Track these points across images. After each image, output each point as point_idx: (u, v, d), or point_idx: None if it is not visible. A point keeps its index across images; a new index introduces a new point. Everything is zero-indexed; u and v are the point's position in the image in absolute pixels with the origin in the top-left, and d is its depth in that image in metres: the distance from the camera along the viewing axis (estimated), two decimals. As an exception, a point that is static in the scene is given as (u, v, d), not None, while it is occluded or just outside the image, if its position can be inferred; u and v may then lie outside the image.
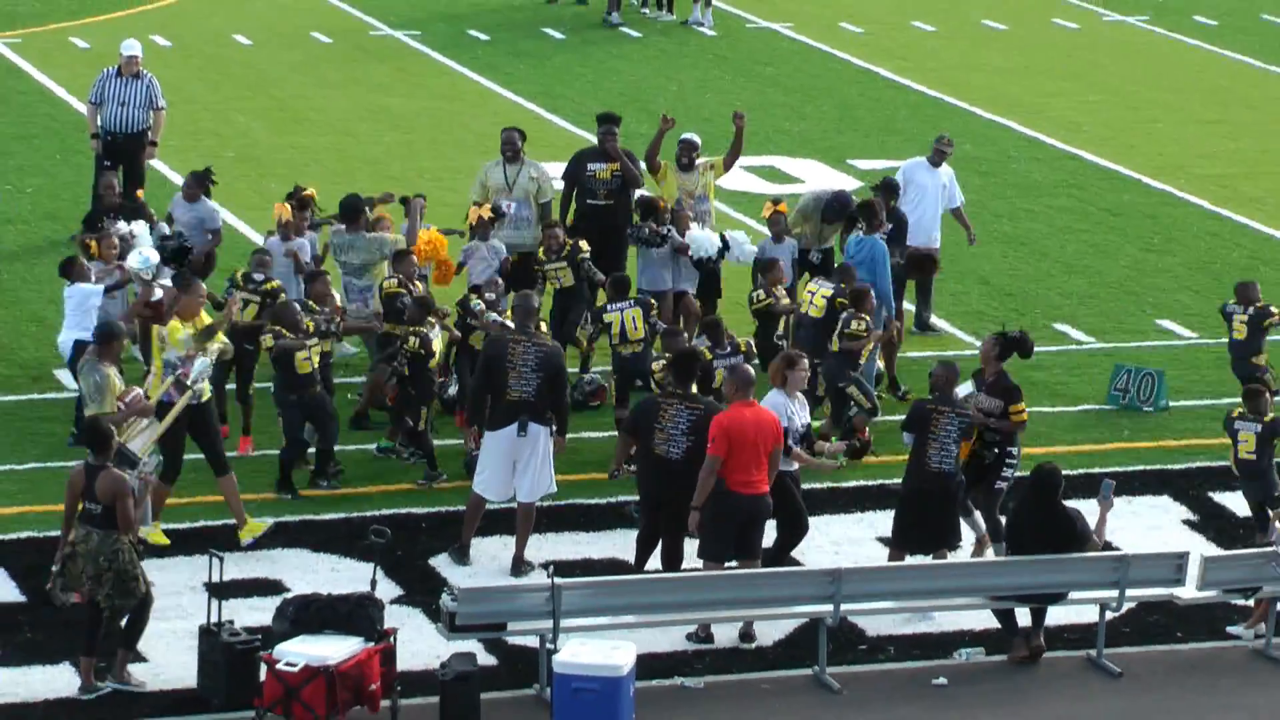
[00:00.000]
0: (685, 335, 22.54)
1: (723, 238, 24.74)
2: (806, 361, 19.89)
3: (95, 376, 19.07)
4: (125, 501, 16.58)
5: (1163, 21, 43.19)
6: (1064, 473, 18.85)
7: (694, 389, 19.46)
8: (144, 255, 22.36)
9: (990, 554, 19.57)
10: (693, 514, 18.58)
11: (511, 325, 20.94)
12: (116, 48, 29.47)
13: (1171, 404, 24.07)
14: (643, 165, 25.70)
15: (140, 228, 23.47)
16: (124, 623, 17.05)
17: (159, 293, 21.69)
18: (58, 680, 17.20)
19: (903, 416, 19.95)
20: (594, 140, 26.54)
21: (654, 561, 19.22)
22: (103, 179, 25.39)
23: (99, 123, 28.32)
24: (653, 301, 23.45)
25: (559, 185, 26.27)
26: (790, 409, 19.08)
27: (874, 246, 23.95)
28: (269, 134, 34.23)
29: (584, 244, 24.13)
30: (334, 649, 16.54)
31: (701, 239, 24.42)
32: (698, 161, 25.63)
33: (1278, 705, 18.08)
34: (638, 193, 25.64)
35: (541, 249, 24.32)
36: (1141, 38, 42.38)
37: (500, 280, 23.23)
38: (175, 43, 38.77)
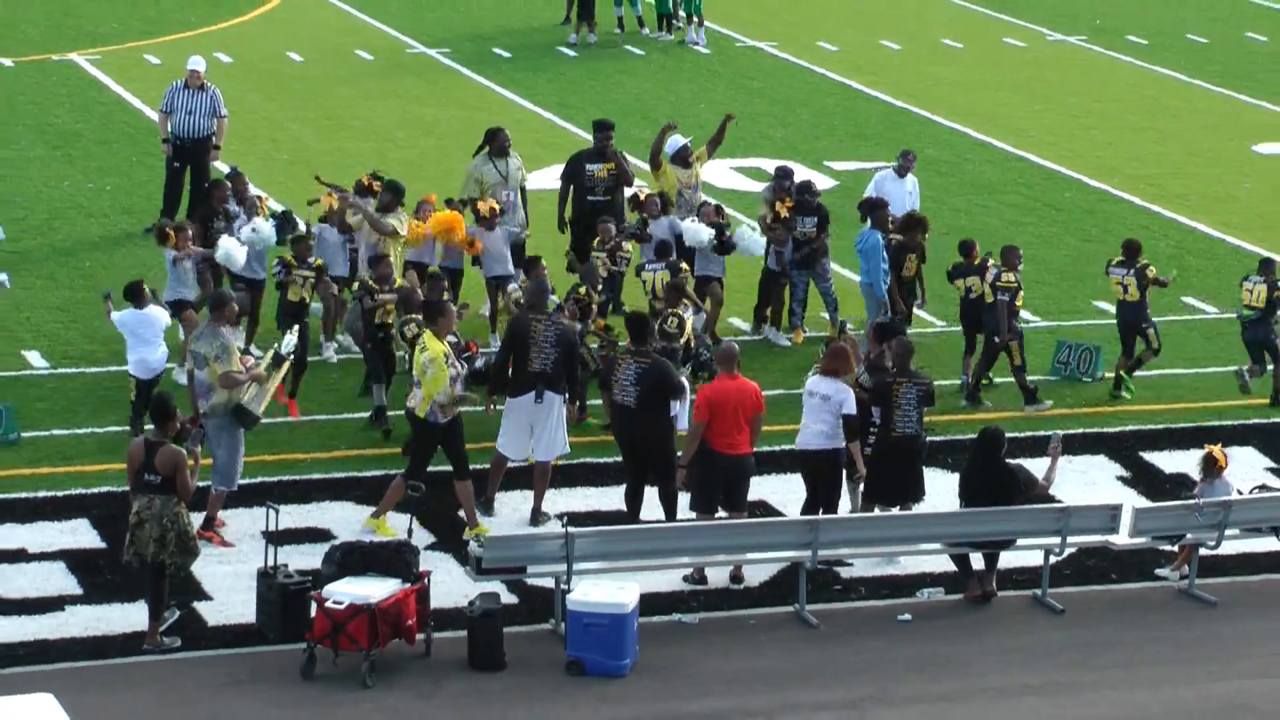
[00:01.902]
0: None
1: (723, 232, 24.68)
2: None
3: (220, 340, 19.03)
4: (184, 472, 16.57)
5: (1099, 41, 43.04)
6: (1013, 435, 18.93)
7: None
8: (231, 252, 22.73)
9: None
10: (680, 471, 18.73)
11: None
12: (184, 64, 29.41)
13: (1107, 375, 24.03)
14: (631, 164, 25.95)
15: (261, 224, 23.43)
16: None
17: None
18: (134, 615, 17.20)
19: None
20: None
21: (648, 512, 19.31)
22: (217, 190, 25.20)
23: (169, 129, 28.24)
24: (683, 265, 23.55)
25: (557, 184, 26.39)
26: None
27: (869, 237, 23.89)
28: (317, 139, 34.14)
29: (628, 246, 24.21)
30: (375, 589, 16.54)
31: (693, 230, 24.45)
32: (691, 158, 25.82)
33: (1199, 637, 18.12)
34: (628, 191, 25.81)
35: (596, 240, 24.45)
36: (1081, 55, 42.23)
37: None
38: (236, 59, 38.65)
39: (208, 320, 19.82)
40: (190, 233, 23.13)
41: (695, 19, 41.55)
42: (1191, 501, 18.69)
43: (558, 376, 19.68)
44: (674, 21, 41.65)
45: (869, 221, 24.30)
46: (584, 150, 26.92)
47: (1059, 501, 19.12)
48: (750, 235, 25.05)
